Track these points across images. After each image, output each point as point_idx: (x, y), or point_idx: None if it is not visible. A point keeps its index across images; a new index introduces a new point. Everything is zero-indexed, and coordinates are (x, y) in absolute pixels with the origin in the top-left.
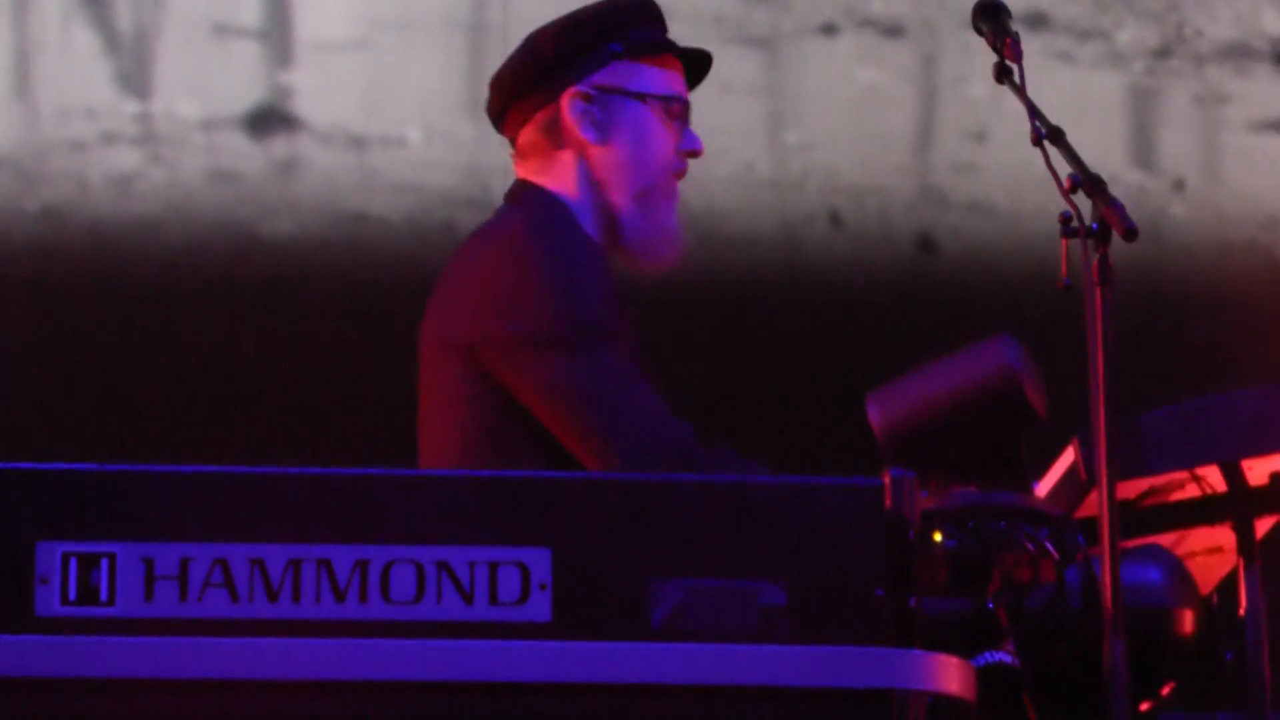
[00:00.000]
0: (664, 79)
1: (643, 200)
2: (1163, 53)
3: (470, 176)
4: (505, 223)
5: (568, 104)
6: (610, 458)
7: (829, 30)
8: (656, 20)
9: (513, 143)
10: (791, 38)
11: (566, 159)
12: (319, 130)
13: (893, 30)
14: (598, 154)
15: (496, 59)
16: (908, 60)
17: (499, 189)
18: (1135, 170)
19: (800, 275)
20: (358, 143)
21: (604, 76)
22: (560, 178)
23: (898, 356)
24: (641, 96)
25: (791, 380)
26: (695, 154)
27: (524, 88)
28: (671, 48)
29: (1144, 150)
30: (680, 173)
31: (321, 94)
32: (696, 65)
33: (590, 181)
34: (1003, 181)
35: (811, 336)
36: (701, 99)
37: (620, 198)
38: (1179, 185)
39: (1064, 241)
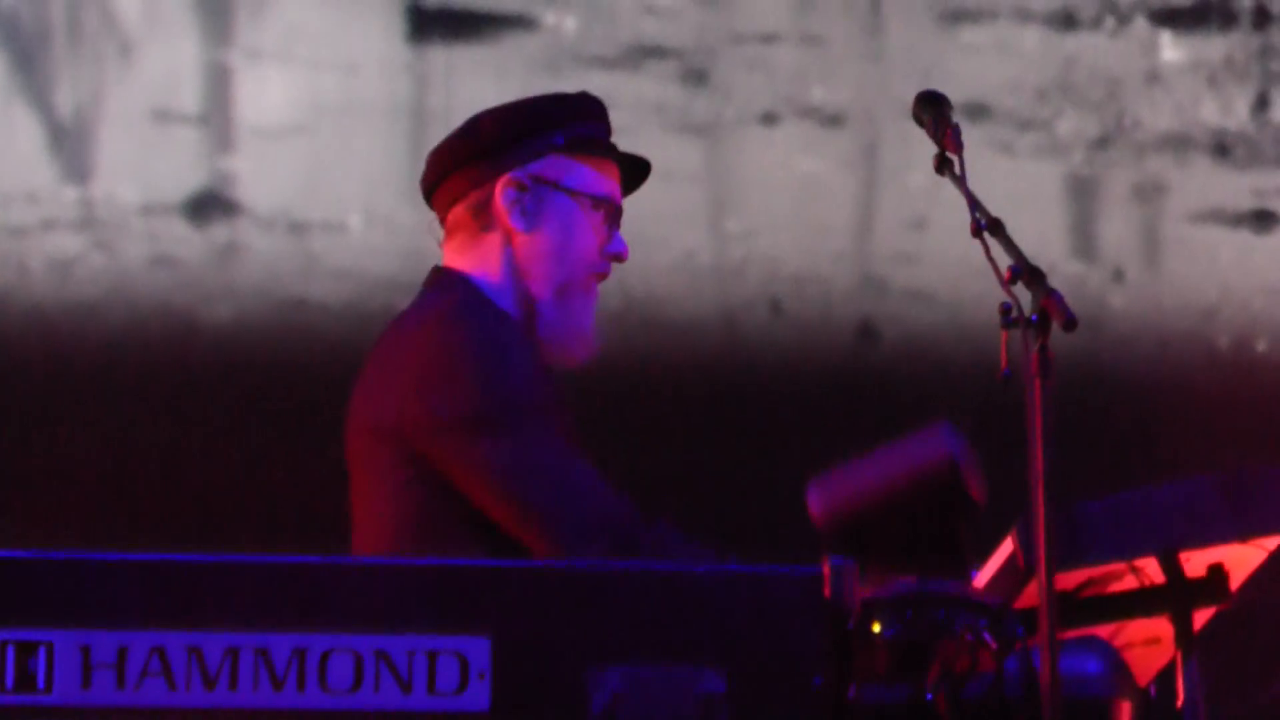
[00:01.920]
0: (600, 179)
1: (562, 295)
2: (1102, 143)
3: (411, 262)
4: (427, 307)
5: (501, 190)
6: (549, 537)
7: (770, 119)
8: (601, 120)
9: (440, 218)
10: (733, 126)
11: (492, 243)
12: (259, 216)
13: (833, 120)
14: (524, 243)
15: None
16: (848, 149)
17: None
18: (1075, 260)
19: (741, 362)
20: (298, 228)
21: (541, 167)
22: (483, 261)
23: (838, 444)
24: (575, 193)
25: (732, 467)
26: (620, 258)
27: (461, 165)
28: (612, 150)
29: (1084, 240)
30: (602, 275)
31: (262, 179)
32: (636, 170)
33: (513, 269)
34: (943, 270)
35: (752, 423)
36: (643, 187)
37: (540, 289)
38: (1118, 276)
39: (1004, 332)
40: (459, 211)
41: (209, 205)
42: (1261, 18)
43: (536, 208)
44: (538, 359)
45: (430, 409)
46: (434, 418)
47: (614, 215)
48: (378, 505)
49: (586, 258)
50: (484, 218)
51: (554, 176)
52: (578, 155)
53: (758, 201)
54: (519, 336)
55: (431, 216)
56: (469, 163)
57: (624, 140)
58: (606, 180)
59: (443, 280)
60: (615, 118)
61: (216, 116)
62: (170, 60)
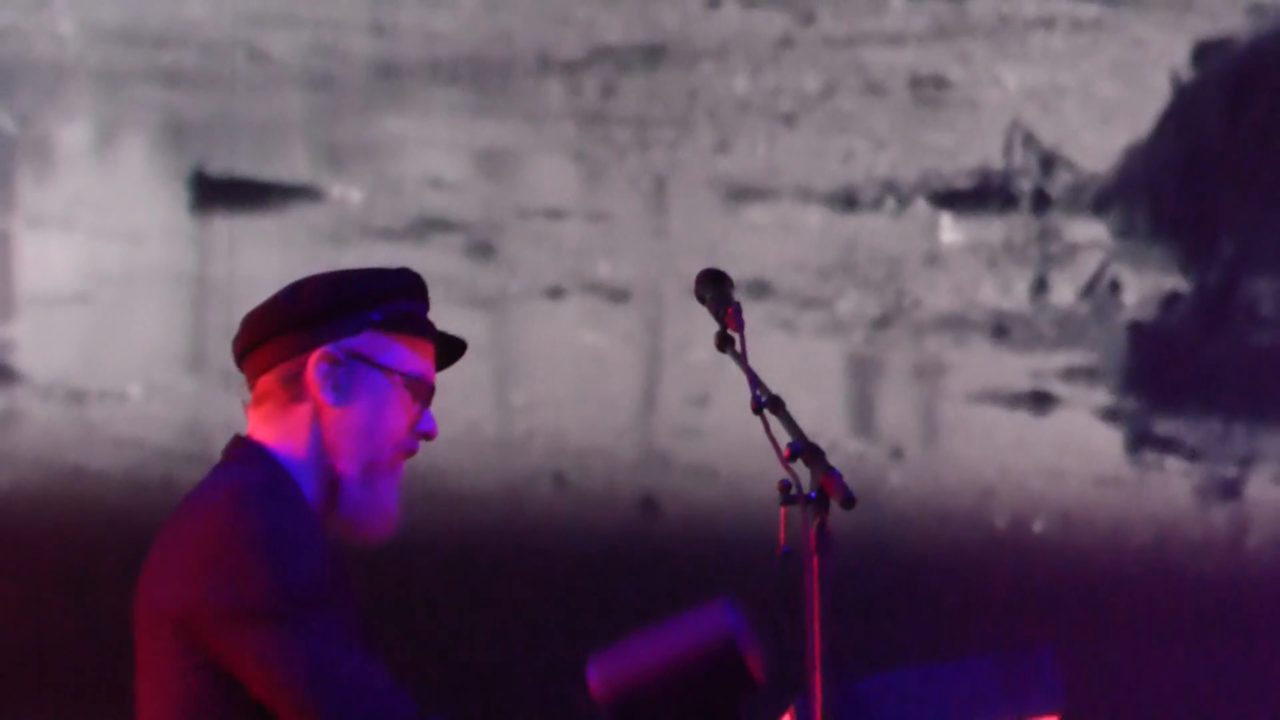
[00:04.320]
0: (415, 358)
1: (368, 473)
2: (882, 322)
3: (190, 432)
4: (219, 486)
5: (315, 363)
6: None
7: (555, 294)
8: (420, 297)
9: (249, 383)
10: (518, 300)
11: (301, 415)
12: (38, 384)
13: (618, 295)
14: (333, 418)
15: (220, 315)
16: (633, 324)
17: (219, 444)
18: (855, 438)
19: (523, 535)
20: (77, 397)
21: (357, 343)
22: (290, 432)
23: (620, 618)
24: (389, 371)
25: (513, 642)
26: (429, 437)
27: (276, 334)
28: (428, 329)
29: (863, 419)
30: (410, 452)
31: (41, 347)
32: (450, 349)
33: (320, 443)
34: (724, 446)
35: (534, 597)
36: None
37: (346, 466)
38: (897, 454)
39: (783, 509)
40: (270, 380)
41: None
42: (1040, 201)
43: (349, 383)
44: (330, 545)
45: (212, 597)
46: (215, 606)
47: (426, 393)
48: (160, 687)
49: (396, 436)
50: (294, 388)
51: (369, 353)
52: (394, 333)
53: (542, 375)
54: (311, 524)
55: (211, 384)
56: (285, 332)
57: None
58: (421, 359)
59: (243, 453)
60: None
61: None
62: None
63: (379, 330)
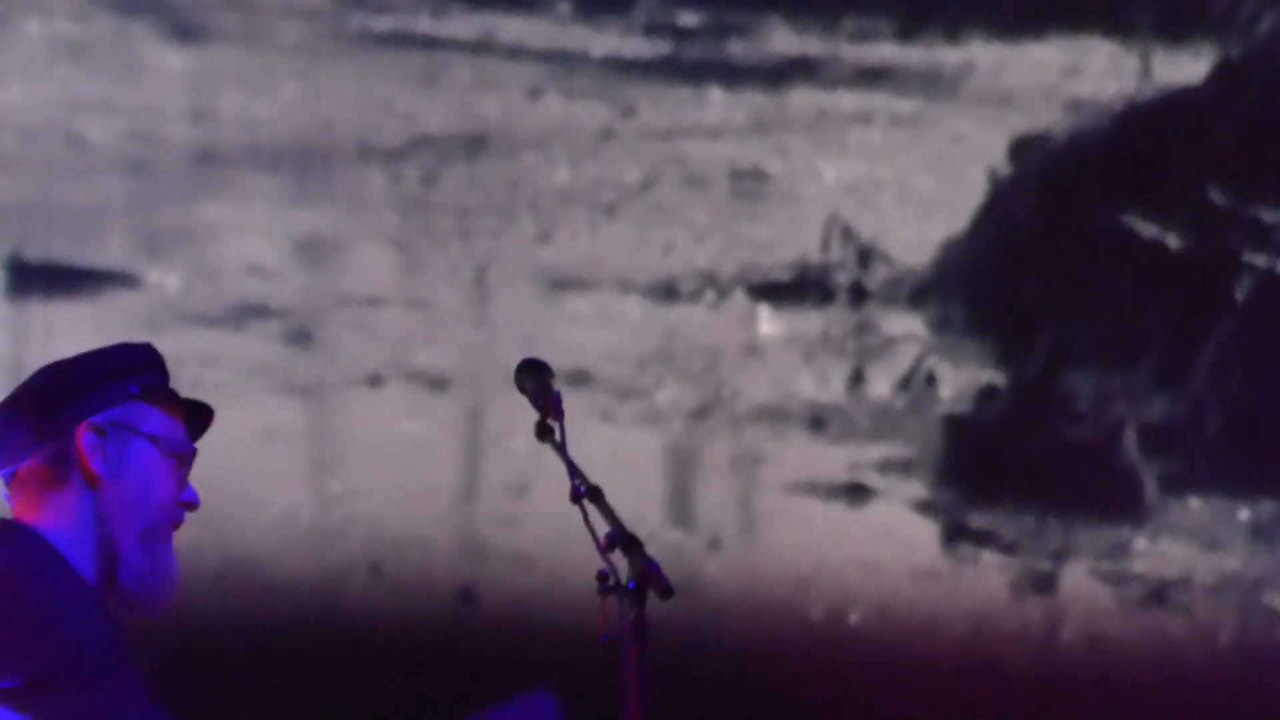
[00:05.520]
0: (174, 426)
1: (146, 540)
2: (701, 413)
3: None
4: None
5: (82, 437)
6: None
7: (375, 381)
8: (163, 371)
9: (8, 472)
10: (337, 387)
11: (70, 492)
12: None
13: (438, 384)
14: (106, 490)
15: None
16: (453, 413)
17: None
18: (673, 528)
19: (340, 624)
20: None
21: (120, 414)
22: (58, 511)
23: (438, 709)
24: (154, 439)
25: None
26: (192, 507)
27: (31, 418)
28: (178, 398)
29: (682, 509)
30: (177, 523)
31: None
32: (200, 420)
33: (94, 517)
34: (544, 535)
35: (350, 687)
36: (245, 445)
37: (124, 536)
38: (715, 545)
39: (602, 599)
40: (34, 462)
41: None
42: (858, 294)
43: (118, 454)
44: (106, 613)
45: None
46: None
47: (186, 462)
48: None
49: (166, 503)
50: (62, 467)
51: (132, 422)
52: (151, 403)
53: (361, 463)
54: (83, 590)
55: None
56: (41, 415)
57: (226, 400)
58: (177, 426)
59: (5, 534)
60: (217, 377)
61: None
62: None
63: (137, 400)
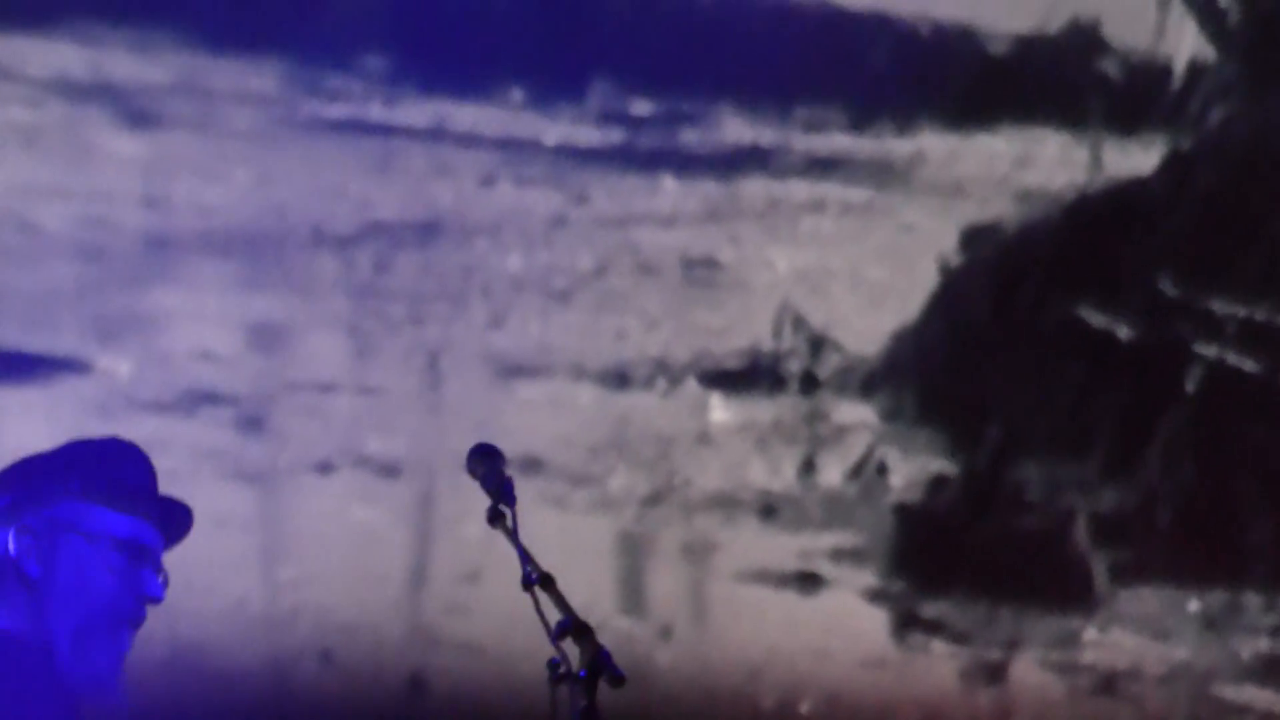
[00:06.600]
0: (126, 523)
1: (80, 640)
2: (653, 500)
3: None
4: None
5: (13, 537)
6: None
7: (325, 468)
8: (132, 463)
9: None
10: (287, 474)
11: (12, 592)
12: None
13: (388, 470)
14: (42, 590)
15: None
16: (404, 500)
17: None
18: (624, 616)
19: (290, 713)
20: None
21: (56, 513)
22: (9, 611)
23: None
24: (92, 536)
25: None
26: (154, 601)
27: None
28: (136, 494)
29: (633, 596)
30: (135, 619)
31: None
32: (179, 513)
33: (30, 616)
34: (495, 623)
35: None
36: (195, 532)
37: (58, 635)
38: (666, 633)
39: (552, 687)
40: None
41: None
42: (809, 383)
43: (51, 553)
44: (63, 705)
45: None
46: None
47: (141, 557)
48: None
49: (108, 601)
50: (2, 568)
51: (70, 520)
52: (98, 500)
53: (311, 550)
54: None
55: None
56: None
57: (176, 487)
58: (129, 522)
59: None
60: (167, 463)
61: None
62: None
63: (78, 498)
